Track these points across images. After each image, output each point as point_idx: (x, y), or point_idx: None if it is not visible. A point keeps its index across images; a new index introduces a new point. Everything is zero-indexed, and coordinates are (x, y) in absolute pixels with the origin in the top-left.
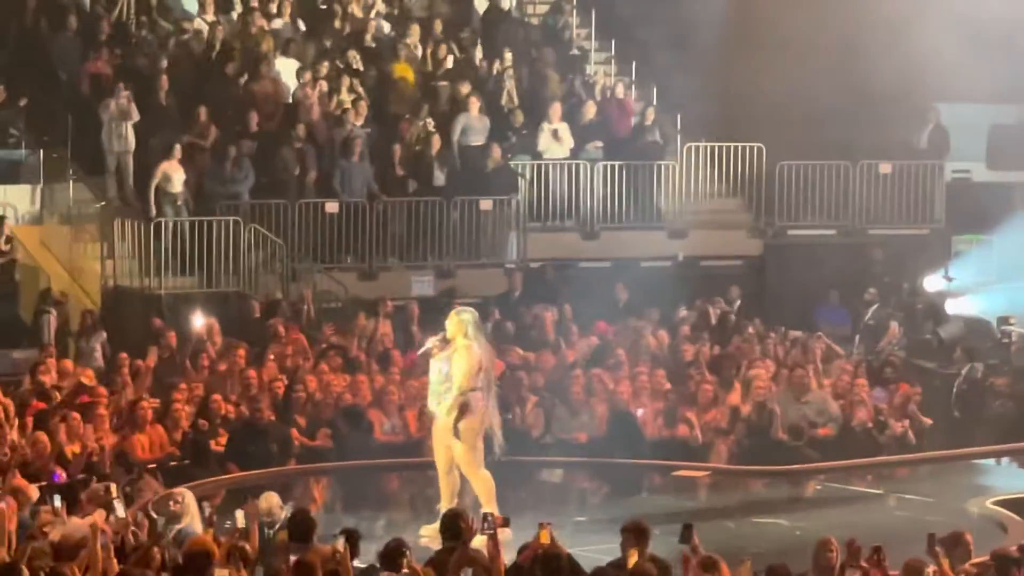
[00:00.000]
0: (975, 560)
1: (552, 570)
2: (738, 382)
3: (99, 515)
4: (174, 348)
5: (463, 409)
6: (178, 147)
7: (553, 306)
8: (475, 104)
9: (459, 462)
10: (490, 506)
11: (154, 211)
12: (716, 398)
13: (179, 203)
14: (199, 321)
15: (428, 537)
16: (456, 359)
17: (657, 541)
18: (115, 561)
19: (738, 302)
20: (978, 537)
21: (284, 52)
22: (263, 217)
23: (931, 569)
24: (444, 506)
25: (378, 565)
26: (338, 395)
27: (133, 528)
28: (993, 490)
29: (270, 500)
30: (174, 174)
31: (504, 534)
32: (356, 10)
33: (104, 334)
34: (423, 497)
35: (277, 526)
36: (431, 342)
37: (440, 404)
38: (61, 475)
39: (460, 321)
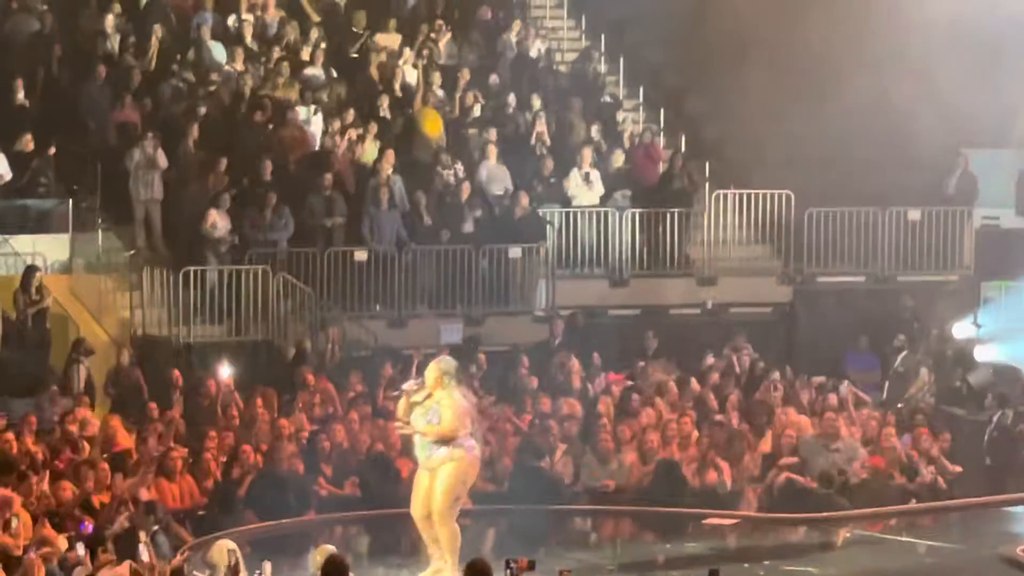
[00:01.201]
0: None
1: None
2: (770, 430)
3: (124, 567)
4: (214, 396)
5: (452, 455)
6: (228, 196)
7: (576, 354)
8: (494, 152)
9: (434, 509)
10: (453, 559)
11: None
12: (748, 445)
13: (223, 251)
14: (224, 371)
15: None
16: (443, 408)
17: None
18: None
19: (748, 347)
20: None
21: (311, 100)
22: (292, 265)
23: None
24: (432, 552)
25: None
26: (369, 444)
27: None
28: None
29: (325, 553)
30: (221, 222)
31: None
32: (384, 57)
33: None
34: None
35: None
36: (408, 385)
37: (429, 454)
38: (88, 525)
39: (440, 371)
